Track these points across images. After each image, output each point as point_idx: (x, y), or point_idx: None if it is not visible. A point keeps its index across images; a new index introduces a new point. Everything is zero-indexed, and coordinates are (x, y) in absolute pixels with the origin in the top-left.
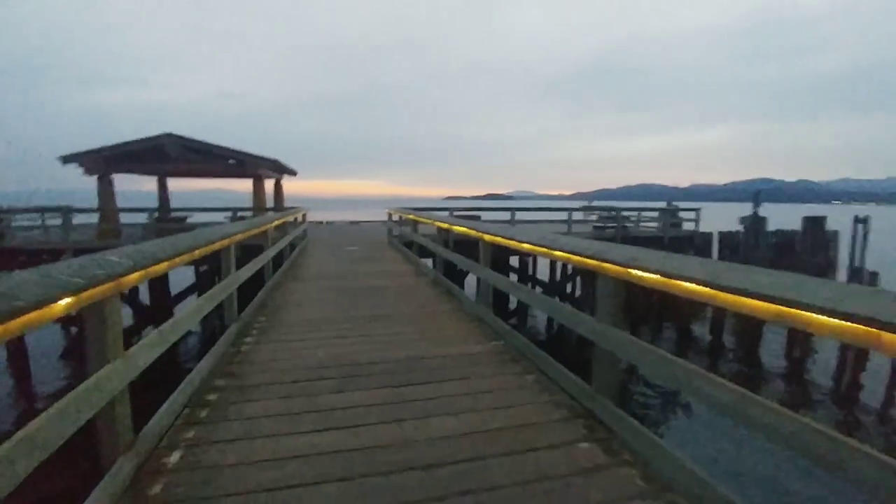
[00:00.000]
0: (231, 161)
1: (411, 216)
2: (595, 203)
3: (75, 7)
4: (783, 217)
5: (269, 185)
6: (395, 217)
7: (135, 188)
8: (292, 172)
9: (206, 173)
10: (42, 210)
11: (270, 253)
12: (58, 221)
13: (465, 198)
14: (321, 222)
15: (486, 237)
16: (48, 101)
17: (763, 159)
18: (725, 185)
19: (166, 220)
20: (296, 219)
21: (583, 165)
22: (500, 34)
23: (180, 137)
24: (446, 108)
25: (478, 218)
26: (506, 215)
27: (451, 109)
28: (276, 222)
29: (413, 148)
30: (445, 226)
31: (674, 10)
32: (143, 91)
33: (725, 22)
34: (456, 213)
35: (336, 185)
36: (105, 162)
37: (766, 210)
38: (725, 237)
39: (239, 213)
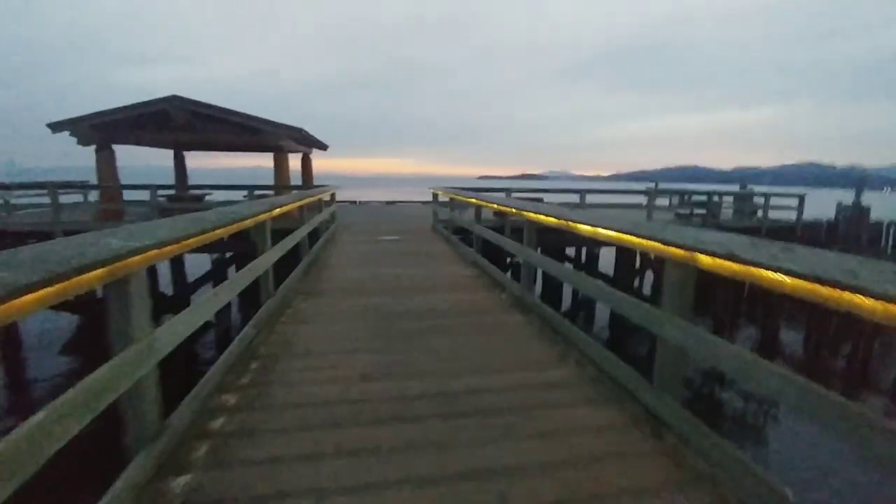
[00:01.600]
0: (251, 130)
1: (473, 200)
2: (661, 186)
3: None
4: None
5: (296, 160)
6: (444, 198)
7: (159, 163)
8: (322, 146)
9: (218, 144)
10: (33, 186)
11: (269, 259)
12: (72, 198)
13: (498, 177)
14: (354, 202)
15: (679, 254)
16: (86, 80)
17: (811, 142)
18: (772, 168)
19: (179, 198)
20: (321, 200)
21: (620, 146)
22: (535, 10)
23: (187, 101)
24: (479, 86)
25: (540, 201)
26: (569, 198)
27: (484, 88)
28: (277, 211)
29: (445, 127)
30: (558, 222)
31: None
32: (180, 68)
33: None
34: (515, 196)
35: (368, 163)
36: (99, 130)
37: (816, 196)
38: (806, 228)
39: (256, 192)
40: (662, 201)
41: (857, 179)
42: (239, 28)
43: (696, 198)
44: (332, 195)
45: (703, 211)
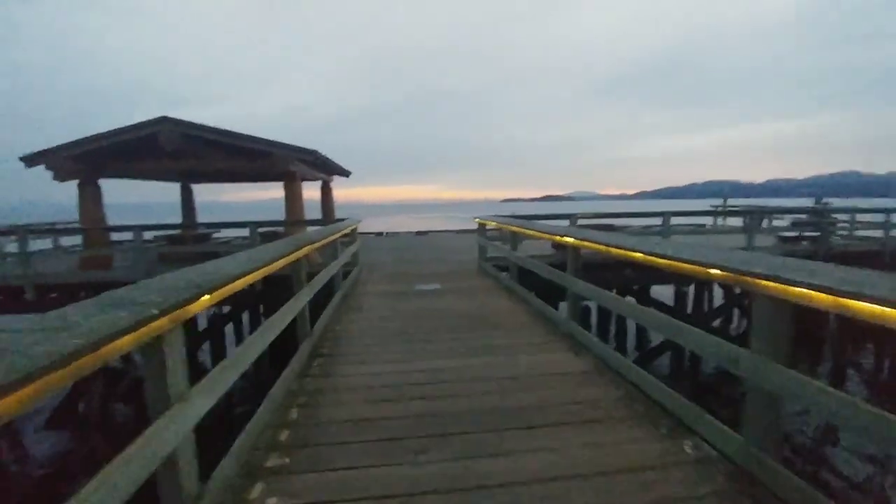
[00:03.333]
0: (256, 154)
1: (567, 240)
2: (731, 202)
3: (148, 33)
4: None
5: (315, 190)
6: (493, 228)
7: (167, 199)
8: (344, 173)
9: (220, 172)
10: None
11: (179, 428)
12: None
13: (522, 200)
14: (380, 234)
15: None
16: (125, 122)
17: (848, 151)
18: (806, 179)
19: (179, 240)
20: (338, 241)
21: (645, 164)
22: (558, 33)
23: (180, 123)
24: (502, 109)
25: (612, 228)
26: (642, 221)
27: (508, 111)
28: (208, 298)
29: (469, 151)
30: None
31: None
32: (216, 108)
33: (805, 3)
34: (581, 223)
35: (392, 190)
36: (80, 162)
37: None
38: None
39: (261, 230)
40: (733, 221)
41: None
42: (272, 66)
43: (791, 216)
44: (354, 230)
45: (815, 233)
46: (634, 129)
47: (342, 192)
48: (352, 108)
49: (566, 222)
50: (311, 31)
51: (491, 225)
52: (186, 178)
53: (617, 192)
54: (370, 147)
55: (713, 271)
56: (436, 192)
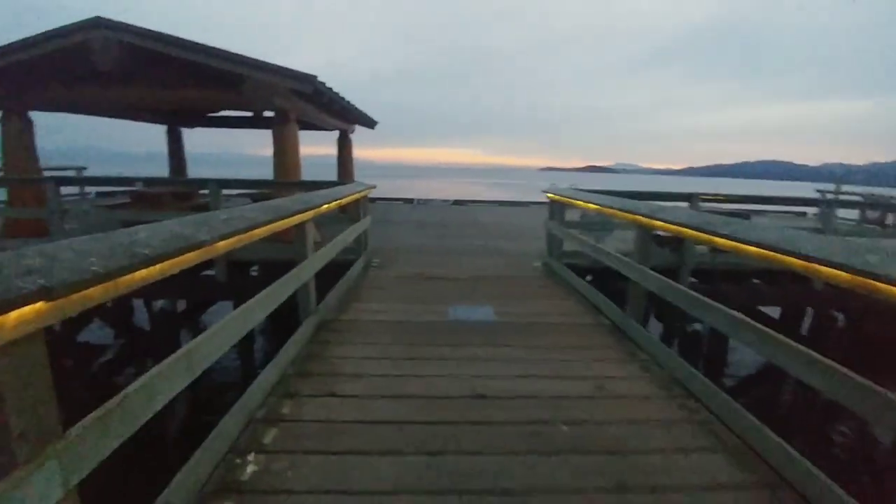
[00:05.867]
0: (226, 78)
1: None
2: (844, 189)
3: None
4: None
5: (328, 143)
6: (573, 208)
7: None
8: (368, 122)
9: (176, 104)
10: None
11: None
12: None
13: (563, 169)
14: (410, 201)
15: None
16: None
17: None
18: (865, 165)
19: (152, 200)
20: (308, 220)
21: (694, 138)
22: None
23: (118, 28)
24: (546, 75)
25: (747, 217)
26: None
27: (551, 77)
28: None
29: (510, 117)
30: None
31: None
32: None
33: None
34: (704, 206)
35: (429, 152)
36: None
37: None
38: None
39: (234, 192)
40: (847, 213)
41: None
42: (315, 20)
43: None
44: (361, 200)
45: None
46: (685, 100)
47: (374, 152)
48: (391, 67)
49: (659, 203)
50: None
51: (591, 207)
52: (169, 120)
53: (662, 167)
54: (408, 107)
55: None
56: (474, 157)
